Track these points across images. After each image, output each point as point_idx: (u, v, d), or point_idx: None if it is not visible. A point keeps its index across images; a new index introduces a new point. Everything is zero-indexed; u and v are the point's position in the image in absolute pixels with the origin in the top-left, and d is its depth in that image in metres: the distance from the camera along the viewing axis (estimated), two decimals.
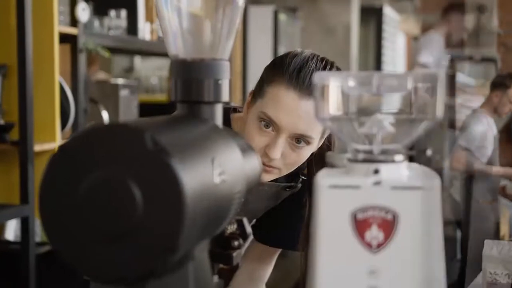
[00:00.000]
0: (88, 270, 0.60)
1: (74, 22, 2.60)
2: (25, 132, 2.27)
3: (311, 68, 1.21)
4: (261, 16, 4.66)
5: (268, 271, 1.54)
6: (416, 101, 0.66)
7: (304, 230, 1.37)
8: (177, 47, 0.75)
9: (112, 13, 2.98)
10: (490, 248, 1.93)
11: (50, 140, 2.43)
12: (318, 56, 1.25)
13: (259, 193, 1.38)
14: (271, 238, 1.50)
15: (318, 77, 0.66)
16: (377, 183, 0.64)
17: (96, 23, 2.85)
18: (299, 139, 1.22)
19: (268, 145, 1.22)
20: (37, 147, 2.35)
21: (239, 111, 1.41)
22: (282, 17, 4.79)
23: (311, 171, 1.36)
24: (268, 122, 1.22)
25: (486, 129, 4.40)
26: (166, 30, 0.75)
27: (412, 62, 4.53)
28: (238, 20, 0.77)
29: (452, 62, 5.51)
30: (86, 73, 3.16)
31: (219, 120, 0.76)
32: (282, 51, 5.71)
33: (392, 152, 0.67)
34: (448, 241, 4.75)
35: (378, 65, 7.15)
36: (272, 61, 1.28)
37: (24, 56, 2.28)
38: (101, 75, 4.52)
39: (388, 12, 7.27)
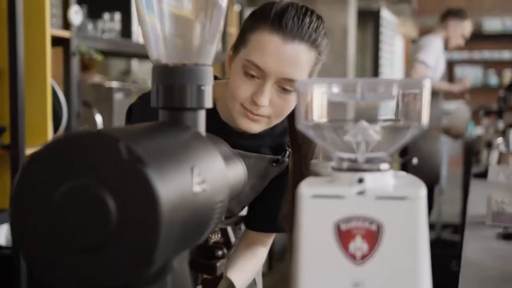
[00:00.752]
0: (60, 282, 0.57)
1: (66, 25, 2.58)
2: (16, 136, 2.24)
3: (292, 13, 1.22)
4: None
5: (264, 252, 1.50)
6: (402, 109, 0.64)
7: (290, 203, 1.33)
8: (159, 52, 0.73)
9: (106, 16, 2.96)
10: (496, 174, 1.79)
11: (42, 144, 2.40)
12: (297, 3, 1.26)
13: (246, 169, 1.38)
14: (261, 224, 1.48)
15: (301, 83, 0.64)
16: (361, 192, 0.62)
17: (90, 26, 2.83)
18: (285, 87, 1.22)
19: (255, 92, 1.22)
20: (29, 151, 2.32)
21: (219, 79, 1.42)
22: None
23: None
24: (253, 71, 1.21)
25: (439, 50, 4.42)
26: (148, 34, 0.74)
27: (411, 64, 4.49)
28: (222, 23, 0.76)
29: None
30: (81, 77, 3.14)
31: (202, 126, 0.74)
32: None
33: (378, 160, 0.65)
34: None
35: (376, 68, 7.13)
36: (251, 12, 1.29)
37: (16, 59, 2.26)
38: (97, 78, 4.50)
39: (386, 15, 7.25)
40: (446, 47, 4.57)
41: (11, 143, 2.26)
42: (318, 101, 0.65)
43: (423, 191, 0.62)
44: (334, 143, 0.66)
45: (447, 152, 5.97)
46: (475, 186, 2.64)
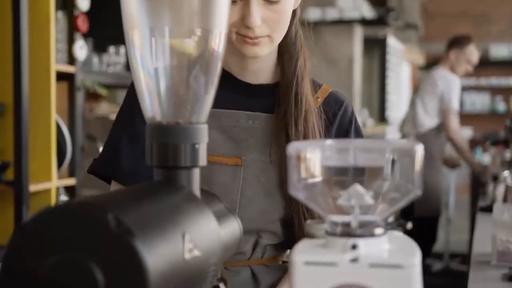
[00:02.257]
0: None
1: (72, 60, 2.59)
2: (20, 173, 2.24)
3: None
4: None
5: None
6: (396, 173, 0.63)
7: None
8: (153, 110, 0.73)
9: (112, 49, 2.98)
10: (501, 212, 1.76)
11: (46, 179, 2.40)
12: None
13: (258, 137, 1.23)
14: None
15: (293, 148, 0.64)
16: (355, 260, 0.61)
17: (95, 59, 2.85)
18: None
19: (243, 16, 1.14)
20: (33, 187, 2.32)
21: None
22: None
23: (292, 32, 1.27)
24: None
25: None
26: (142, 91, 0.73)
27: (441, 106, 4.37)
28: (219, 66, 0.75)
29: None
30: (89, 106, 3.14)
31: (196, 184, 0.73)
32: None
33: (372, 225, 0.64)
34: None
35: (382, 96, 7.14)
36: None
37: (20, 95, 2.27)
38: (104, 107, 4.51)
39: (392, 42, 7.27)
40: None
41: (15, 179, 2.26)
42: (311, 165, 0.64)
43: (417, 258, 0.61)
44: (327, 206, 0.65)
45: (455, 180, 5.94)
46: (481, 221, 2.61)
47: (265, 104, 1.26)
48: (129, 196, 0.63)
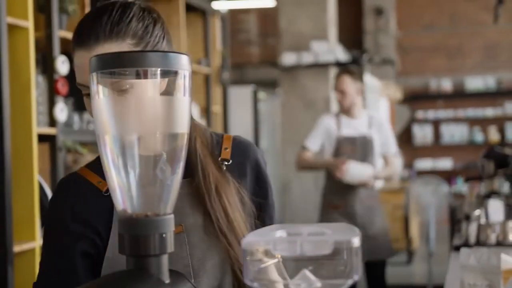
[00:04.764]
0: None
1: (52, 122, 2.68)
2: (4, 234, 2.30)
3: (89, 20, 1.19)
4: (242, 95, 4.76)
5: None
6: (337, 260, 0.72)
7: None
8: (125, 204, 0.81)
9: None
10: (468, 256, 1.81)
11: (29, 239, 2.46)
12: (105, 8, 1.20)
13: (188, 202, 1.27)
14: None
15: (246, 242, 0.72)
16: None
17: (76, 118, 2.94)
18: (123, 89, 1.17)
19: None
20: (17, 248, 2.38)
21: None
22: (262, 95, 4.90)
23: None
24: (84, 90, 1.18)
25: (326, 130, 4.21)
26: (114, 187, 0.82)
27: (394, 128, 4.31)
28: (180, 175, 0.84)
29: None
30: (72, 160, 3.21)
31: (164, 269, 0.82)
32: (263, 127, 5.88)
33: None
34: None
35: None
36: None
37: (3, 157, 2.34)
38: (88, 159, 4.56)
39: (369, 80, 7.42)
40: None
41: None
42: (263, 256, 0.72)
43: None
44: None
45: (434, 213, 6.02)
46: (455, 261, 2.67)
47: None
48: None
